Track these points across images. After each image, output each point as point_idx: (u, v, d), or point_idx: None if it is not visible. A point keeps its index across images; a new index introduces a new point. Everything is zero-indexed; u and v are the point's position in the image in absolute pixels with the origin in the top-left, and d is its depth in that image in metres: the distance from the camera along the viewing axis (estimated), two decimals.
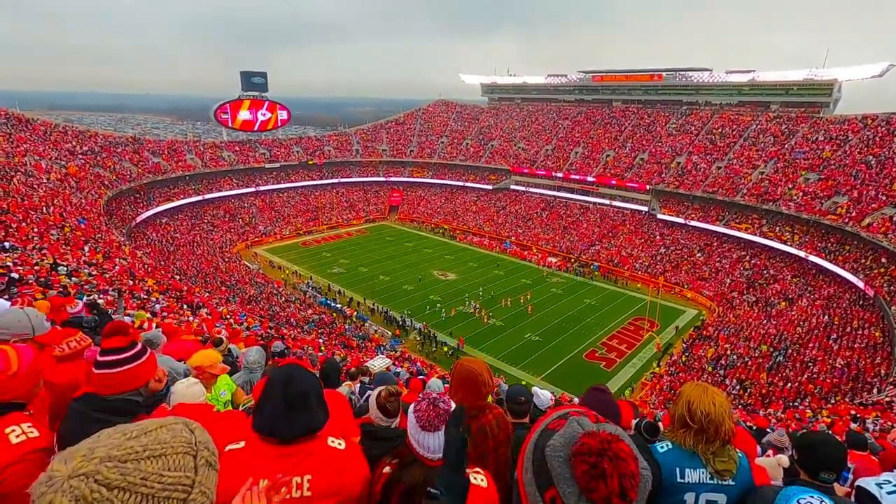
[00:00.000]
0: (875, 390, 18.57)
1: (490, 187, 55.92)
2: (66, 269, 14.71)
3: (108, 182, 37.58)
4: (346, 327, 28.86)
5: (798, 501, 1.60)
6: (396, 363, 19.88)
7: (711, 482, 1.87)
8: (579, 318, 30.68)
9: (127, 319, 8.35)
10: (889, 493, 1.95)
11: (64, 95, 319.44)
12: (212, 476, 0.88)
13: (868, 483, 2.04)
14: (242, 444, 1.63)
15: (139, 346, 2.03)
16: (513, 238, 47.16)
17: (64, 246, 19.35)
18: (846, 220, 31.24)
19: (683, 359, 25.63)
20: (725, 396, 1.92)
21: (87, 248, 20.75)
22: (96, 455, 0.77)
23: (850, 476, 2.48)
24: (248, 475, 1.38)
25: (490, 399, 3.91)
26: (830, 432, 2.27)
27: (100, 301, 10.69)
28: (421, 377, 10.55)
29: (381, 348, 25.44)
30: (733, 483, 1.86)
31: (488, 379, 2.35)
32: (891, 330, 22.42)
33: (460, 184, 58.00)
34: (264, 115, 53.69)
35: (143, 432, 0.83)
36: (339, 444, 1.67)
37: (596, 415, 1.12)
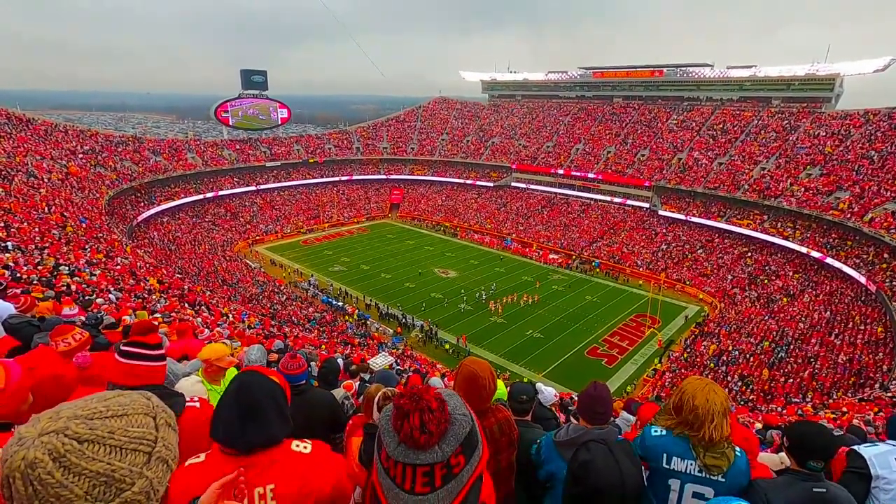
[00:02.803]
0: (877, 386, 18.56)
1: (491, 185, 55.87)
2: (68, 268, 14.74)
3: (109, 181, 37.63)
4: (348, 325, 28.92)
5: None
6: (400, 361, 19.92)
7: (699, 475, 1.90)
8: (581, 315, 30.68)
9: (128, 319, 8.37)
10: (866, 446, 2.36)
11: (65, 94, 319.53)
12: (172, 435, 0.95)
13: (854, 446, 2.44)
14: (202, 457, 1.57)
15: (163, 350, 2.14)
16: (514, 235, 47.14)
17: (66, 246, 19.39)
18: (848, 216, 31.16)
19: (685, 355, 25.64)
20: (725, 396, 1.94)
21: (88, 248, 20.79)
22: (63, 415, 0.82)
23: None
24: (207, 487, 1.37)
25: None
26: (820, 423, 2.41)
27: (100, 301, 10.72)
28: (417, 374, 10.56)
29: (383, 346, 25.48)
30: (723, 479, 1.88)
31: (489, 382, 2.28)
32: (893, 326, 22.39)
33: (461, 181, 57.97)
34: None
35: (102, 398, 0.90)
36: (305, 447, 1.63)
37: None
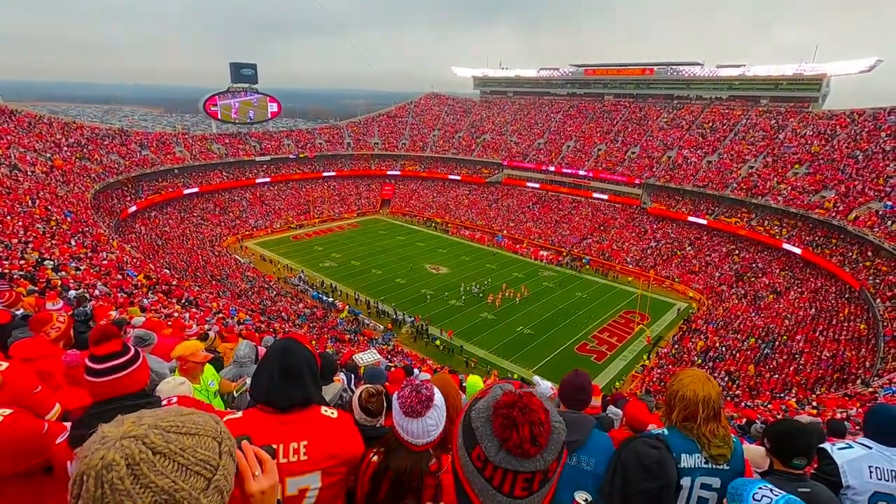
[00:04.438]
0: (859, 382, 18.92)
1: (483, 181, 55.86)
2: (52, 263, 14.52)
3: (95, 175, 37.05)
4: (339, 321, 28.82)
5: (759, 488, 1.67)
6: (393, 357, 19.90)
7: (706, 466, 1.93)
8: (571, 312, 30.87)
9: (114, 314, 8.25)
10: (839, 448, 2.36)
11: (54, 85, 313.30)
12: (231, 465, 0.95)
13: (827, 445, 2.42)
14: (240, 413, 1.72)
15: (133, 350, 1.97)
16: (505, 232, 47.24)
17: (50, 240, 19.08)
18: (833, 214, 31.63)
19: (673, 351, 25.92)
20: (717, 388, 1.99)
21: (73, 242, 20.48)
22: (145, 422, 0.84)
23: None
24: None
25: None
26: (797, 419, 2.48)
27: (86, 295, 10.57)
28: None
29: (373, 342, 25.44)
30: (728, 467, 1.93)
31: (457, 401, 2.30)
32: (875, 322, 22.81)
33: (452, 177, 57.88)
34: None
35: (179, 413, 0.91)
36: (332, 413, 1.77)
37: (520, 384, 1.25)
